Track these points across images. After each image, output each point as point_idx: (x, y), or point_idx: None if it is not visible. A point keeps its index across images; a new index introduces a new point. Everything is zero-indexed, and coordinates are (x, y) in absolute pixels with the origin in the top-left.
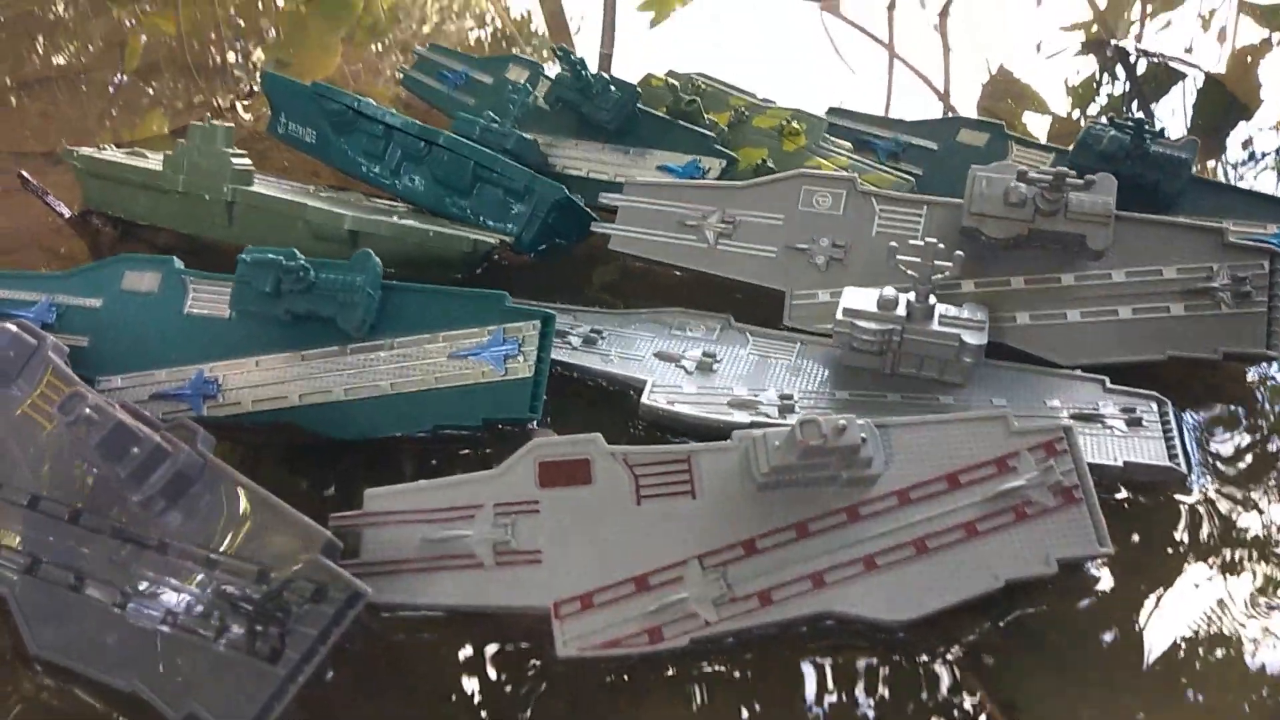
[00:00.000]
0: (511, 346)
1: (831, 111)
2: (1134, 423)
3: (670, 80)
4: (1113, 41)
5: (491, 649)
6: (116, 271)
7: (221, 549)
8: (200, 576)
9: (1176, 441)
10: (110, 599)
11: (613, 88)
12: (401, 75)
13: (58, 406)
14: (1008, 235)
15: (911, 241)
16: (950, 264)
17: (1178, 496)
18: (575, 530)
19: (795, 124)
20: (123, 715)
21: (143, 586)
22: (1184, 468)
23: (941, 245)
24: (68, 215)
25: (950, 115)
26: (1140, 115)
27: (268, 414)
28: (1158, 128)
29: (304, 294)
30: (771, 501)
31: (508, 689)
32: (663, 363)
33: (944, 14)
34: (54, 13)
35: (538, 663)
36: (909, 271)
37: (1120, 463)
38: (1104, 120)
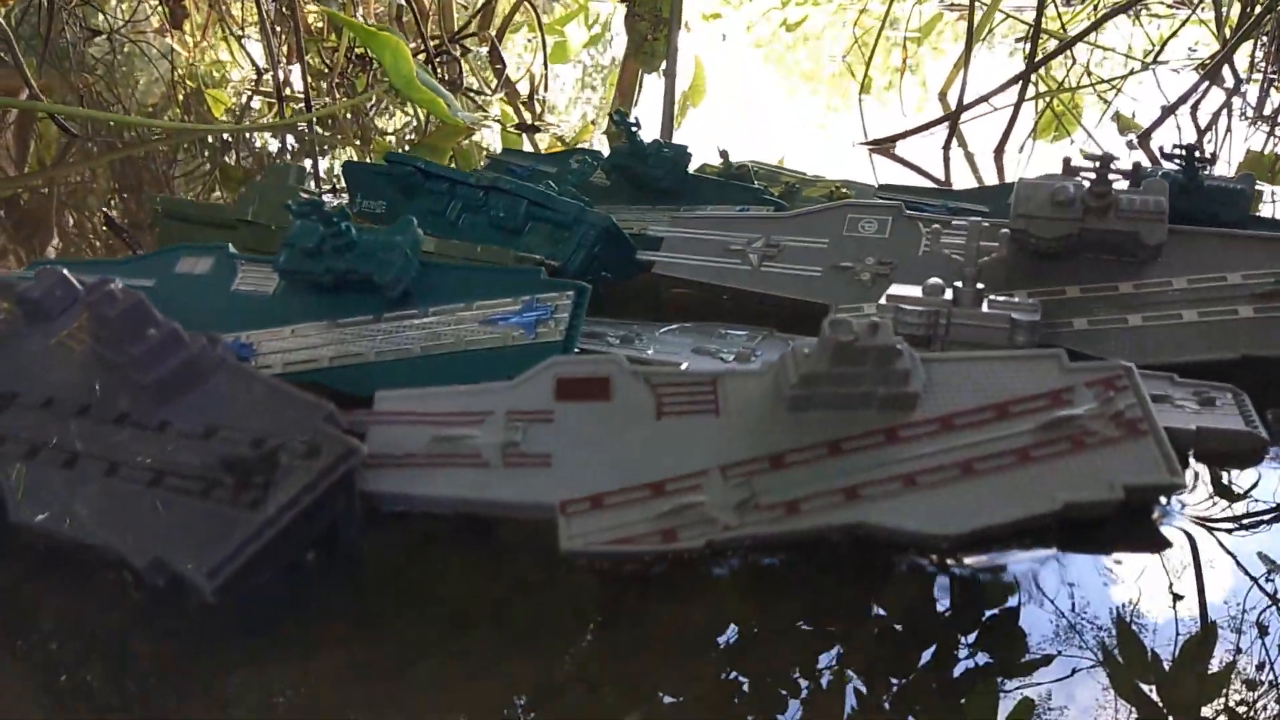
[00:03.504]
0: (544, 311)
1: (883, 188)
2: (1207, 402)
3: (721, 152)
4: None
5: (496, 559)
6: (173, 257)
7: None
8: (197, 445)
9: (1254, 416)
10: (100, 470)
11: (665, 149)
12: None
13: (85, 289)
14: (1057, 236)
15: (955, 222)
16: (997, 244)
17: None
18: (589, 439)
19: (844, 190)
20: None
21: (136, 458)
22: (1264, 433)
23: (986, 224)
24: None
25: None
26: (1190, 144)
27: (298, 375)
28: (1208, 153)
29: (344, 251)
30: (802, 421)
31: (510, 592)
32: (699, 356)
33: (999, 150)
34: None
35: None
36: (954, 255)
37: (1193, 427)
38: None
